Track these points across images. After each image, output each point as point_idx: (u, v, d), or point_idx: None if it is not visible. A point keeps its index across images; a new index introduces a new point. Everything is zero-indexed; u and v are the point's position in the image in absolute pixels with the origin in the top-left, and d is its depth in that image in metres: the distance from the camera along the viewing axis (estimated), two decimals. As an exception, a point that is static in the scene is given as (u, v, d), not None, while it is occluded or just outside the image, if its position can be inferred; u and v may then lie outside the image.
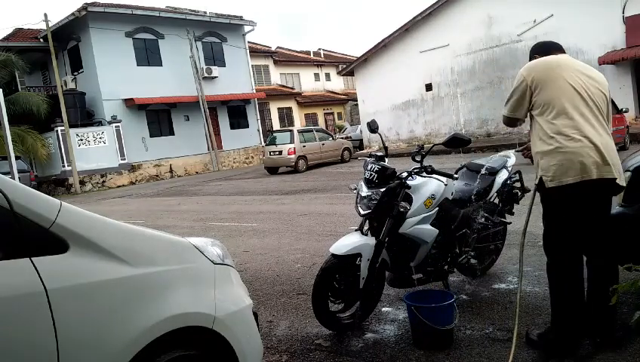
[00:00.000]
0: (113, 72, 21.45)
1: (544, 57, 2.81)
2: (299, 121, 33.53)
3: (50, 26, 20.49)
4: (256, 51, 31.21)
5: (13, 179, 3.29)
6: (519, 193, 4.13)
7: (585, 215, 2.71)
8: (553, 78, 2.69)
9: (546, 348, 2.78)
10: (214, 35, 25.44)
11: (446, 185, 3.51)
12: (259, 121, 27.87)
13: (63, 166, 20.52)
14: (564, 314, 2.75)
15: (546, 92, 2.68)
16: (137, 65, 22.51)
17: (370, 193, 3.30)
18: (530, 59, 2.92)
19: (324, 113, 36.13)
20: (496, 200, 4.06)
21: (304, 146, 18.08)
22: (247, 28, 26.93)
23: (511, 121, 2.95)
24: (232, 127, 26.27)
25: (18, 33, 23.23)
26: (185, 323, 1.90)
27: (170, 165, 23.34)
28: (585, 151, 2.59)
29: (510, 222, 4.26)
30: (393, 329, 3.38)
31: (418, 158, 3.51)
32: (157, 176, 22.83)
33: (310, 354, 3.14)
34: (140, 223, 6.83)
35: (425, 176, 3.44)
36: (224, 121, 25.96)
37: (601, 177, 2.60)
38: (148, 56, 22.92)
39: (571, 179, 2.59)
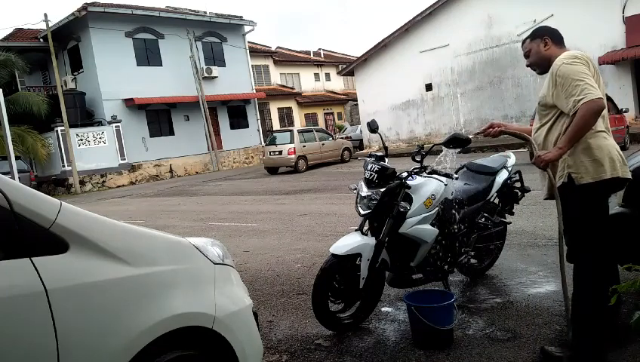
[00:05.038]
0: (113, 72, 21.45)
1: (581, 52, 2.69)
2: (299, 121, 33.53)
3: (50, 26, 20.49)
4: (256, 51, 31.21)
5: (13, 179, 3.30)
6: (519, 193, 4.13)
7: (603, 212, 2.69)
8: (598, 71, 2.66)
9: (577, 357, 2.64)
10: (214, 35, 25.45)
11: (446, 185, 3.51)
12: (259, 121, 27.87)
13: (63, 166, 20.52)
14: (597, 318, 2.60)
15: (596, 84, 2.59)
16: (137, 65, 22.52)
17: (370, 193, 3.31)
18: (537, 37, 2.81)
19: (324, 113, 36.13)
20: (496, 200, 4.06)
21: (304, 146, 18.08)
22: (247, 28, 26.94)
23: (602, 105, 2.53)
24: (232, 127, 26.28)
25: (18, 33, 23.23)
26: (185, 323, 1.90)
27: (170, 165, 23.34)
28: (613, 149, 2.60)
29: (510, 222, 4.26)
30: (393, 329, 3.38)
31: (418, 158, 3.51)
32: (157, 176, 22.83)
33: (310, 354, 3.14)
34: (140, 223, 6.83)
35: (425, 176, 3.44)
36: (224, 121, 25.97)
37: (625, 176, 2.61)
38: (148, 56, 22.92)
39: (606, 174, 2.55)
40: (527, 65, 2.93)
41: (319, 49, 41.18)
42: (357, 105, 26.52)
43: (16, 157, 11.01)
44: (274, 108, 32.17)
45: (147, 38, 22.98)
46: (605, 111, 2.65)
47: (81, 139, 20.87)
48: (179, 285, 1.96)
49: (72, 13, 20.92)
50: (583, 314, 2.64)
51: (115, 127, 21.44)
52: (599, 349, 2.61)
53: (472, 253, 3.91)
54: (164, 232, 2.21)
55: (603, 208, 2.67)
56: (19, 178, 8.21)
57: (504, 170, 4.05)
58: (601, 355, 2.61)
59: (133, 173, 22.18)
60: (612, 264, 2.81)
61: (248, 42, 27.90)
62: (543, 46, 2.79)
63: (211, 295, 2.06)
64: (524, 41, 2.91)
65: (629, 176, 2.65)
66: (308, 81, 36.88)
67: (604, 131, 2.62)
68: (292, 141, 17.80)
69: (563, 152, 2.60)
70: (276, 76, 34.53)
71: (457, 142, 3.27)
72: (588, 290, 2.62)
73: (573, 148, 2.60)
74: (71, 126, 20.24)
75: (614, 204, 3.25)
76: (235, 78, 25.80)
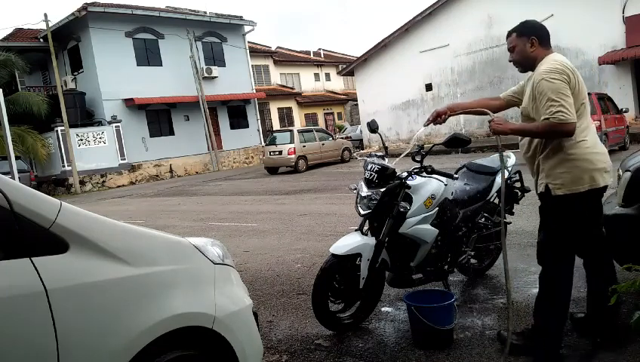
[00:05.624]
0: (113, 72, 21.45)
1: (563, 57, 2.67)
2: (299, 121, 33.53)
3: (50, 26, 20.49)
4: (256, 51, 31.21)
5: (13, 179, 3.30)
6: (519, 193, 4.13)
7: (588, 219, 2.70)
8: (581, 80, 2.61)
9: (535, 350, 2.71)
10: (214, 35, 25.45)
11: (446, 185, 3.51)
12: (259, 121, 27.88)
13: (63, 166, 20.52)
14: (561, 320, 2.67)
15: (579, 95, 2.57)
16: (137, 65, 22.52)
17: (370, 193, 3.30)
18: (524, 35, 2.74)
19: (324, 113, 36.13)
20: (496, 200, 4.06)
21: (304, 146, 18.09)
22: (247, 28, 26.95)
23: (568, 130, 2.48)
24: (232, 127, 26.28)
25: (18, 33, 23.24)
26: (185, 323, 1.90)
27: (170, 165, 23.34)
28: (596, 157, 2.57)
29: (510, 222, 4.26)
30: (393, 329, 3.38)
31: (418, 158, 3.52)
32: (157, 176, 22.83)
33: (310, 354, 3.14)
34: (140, 223, 6.83)
35: (425, 176, 3.44)
36: (224, 121, 25.97)
37: (606, 184, 2.62)
38: (148, 56, 22.93)
39: (584, 186, 2.55)
40: (510, 61, 2.85)
41: (319, 49, 41.18)
42: (357, 105, 26.52)
43: (16, 158, 11.00)
44: (274, 108, 32.17)
45: (147, 38, 22.98)
46: (589, 119, 2.64)
47: (81, 139, 20.87)
48: (179, 285, 1.95)
49: (72, 13, 20.92)
50: (547, 315, 2.67)
51: (115, 127, 21.44)
52: (554, 350, 2.64)
53: (472, 253, 3.91)
54: (164, 232, 2.21)
55: (587, 214, 2.65)
56: (19, 178, 8.21)
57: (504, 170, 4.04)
58: (555, 355, 2.65)
59: (133, 173, 22.18)
60: (609, 265, 2.81)
61: (248, 42, 27.90)
62: (529, 46, 2.72)
63: (211, 295, 2.06)
64: (509, 34, 2.82)
65: (610, 182, 2.65)
66: (308, 81, 36.88)
67: (584, 140, 2.57)
68: (292, 141, 17.80)
69: (511, 132, 2.71)
70: (276, 76, 34.53)
71: (457, 142, 3.26)
72: (553, 293, 2.66)
73: (551, 158, 2.60)
74: (71, 126, 20.24)
75: (614, 204, 3.25)
76: (235, 78, 25.80)
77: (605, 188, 2.66)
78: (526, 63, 2.77)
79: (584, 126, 2.60)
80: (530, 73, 2.77)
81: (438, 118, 3.09)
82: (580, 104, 2.57)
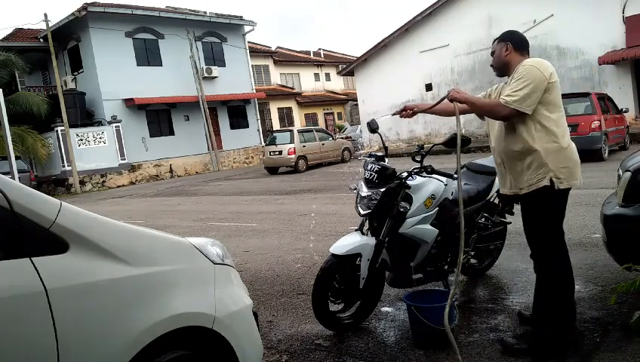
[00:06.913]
0: (113, 72, 21.45)
1: (544, 60, 2.79)
2: (299, 121, 33.53)
3: (50, 26, 20.49)
4: (256, 51, 31.21)
5: (13, 179, 3.29)
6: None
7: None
8: (558, 82, 2.76)
9: (535, 349, 2.74)
10: (214, 35, 25.45)
11: (446, 185, 3.51)
12: (259, 121, 27.88)
13: (63, 166, 20.52)
14: (567, 305, 2.78)
15: (555, 93, 2.73)
16: (137, 65, 22.52)
17: (370, 193, 3.30)
18: (502, 41, 2.91)
19: (324, 113, 36.13)
20: (496, 200, 4.06)
21: (304, 146, 18.09)
22: (247, 28, 26.95)
23: (511, 114, 2.71)
24: (232, 127, 26.28)
25: (18, 33, 23.24)
26: (185, 323, 1.90)
27: (170, 165, 23.34)
28: (576, 154, 2.79)
29: (510, 222, 4.25)
30: (393, 329, 3.38)
31: (418, 158, 3.52)
32: (157, 176, 22.83)
33: (310, 354, 3.14)
34: (140, 223, 6.83)
35: (425, 176, 3.44)
36: (224, 121, 25.97)
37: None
38: (148, 56, 22.92)
39: (577, 181, 2.76)
40: (491, 65, 3.07)
41: (319, 49, 41.18)
42: (357, 105, 26.52)
43: (16, 158, 11.01)
44: (274, 108, 32.17)
45: (147, 38, 22.98)
46: (564, 119, 2.77)
47: (81, 139, 20.87)
48: (179, 285, 1.96)
49: (72, 13, 20.92)
50: (549, 309, 2.77)
51: (115, 127, 21.44)
52: (561, 341, 2.71)
53: (472, 253, 3.91)
54: (164, 232, 2.21)
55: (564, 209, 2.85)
56: (19, 178, 8.21)
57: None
58: (561, 347, 2.70)
59: (133, 173, 22.18)
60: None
61: (248, 42, 27.90)
62: (504, 51, 2.88)
63: (211, 295, 2.06)
64: (494, 41, 2.99)
65: None
66: (308, 81, 36.88)
67: (570, 144, 2.77)
68: (292, 141, 17.80)
69: (465, 101, 2.89)
70: (276, 76, 34.53)
71: (457, 141, 3.26)
72: (556, 285, 2.79)
73: (553, 155, 2.70)
74: (71, 126, 20.24)
75: (614, 204, 3.25)
76: (235, 78, 25.80)
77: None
78: (501, 67, 2.95)
79: (565, 126, 2.79)
80: (505, 79, 2.94)
81: (403, 112, 3.37)
82: (559, 105, 2.76)
